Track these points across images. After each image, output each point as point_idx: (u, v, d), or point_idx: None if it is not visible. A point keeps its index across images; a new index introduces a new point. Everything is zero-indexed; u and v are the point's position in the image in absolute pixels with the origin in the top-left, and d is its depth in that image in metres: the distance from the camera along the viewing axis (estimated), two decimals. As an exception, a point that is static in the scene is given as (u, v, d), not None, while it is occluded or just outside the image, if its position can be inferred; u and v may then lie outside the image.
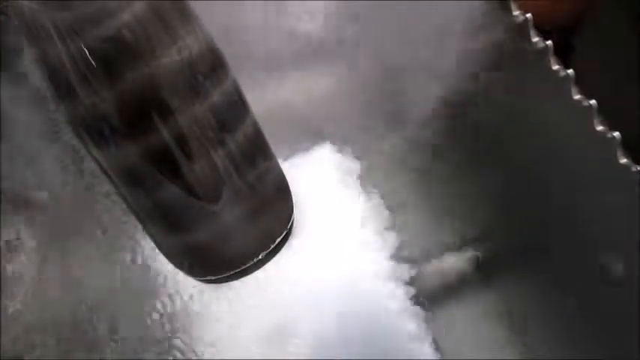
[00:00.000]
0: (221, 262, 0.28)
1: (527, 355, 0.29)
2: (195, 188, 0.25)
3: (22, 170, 0.31)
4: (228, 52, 0.25)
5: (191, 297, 0.31)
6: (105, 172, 0.25)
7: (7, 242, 0.30)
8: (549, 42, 0.27)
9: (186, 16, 0.23)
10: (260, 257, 0.28)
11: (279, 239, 0.28)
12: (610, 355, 0.26)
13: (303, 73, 0.32)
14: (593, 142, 0.26)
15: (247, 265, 0.28)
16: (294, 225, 0.29)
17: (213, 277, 0.28)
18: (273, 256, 0.28)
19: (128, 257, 0.32)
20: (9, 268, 0.30)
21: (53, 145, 0.31)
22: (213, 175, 0.25)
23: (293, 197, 0.29)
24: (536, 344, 0.29)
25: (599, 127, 0.26)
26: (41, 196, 0.31)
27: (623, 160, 0.26)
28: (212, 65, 0.24)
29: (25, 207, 0.31)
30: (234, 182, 0.26)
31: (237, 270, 0.28)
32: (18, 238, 0.31)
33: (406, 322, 0.30)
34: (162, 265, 0.32)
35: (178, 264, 0.28)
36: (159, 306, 0.31)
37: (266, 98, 0.32)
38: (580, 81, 0.26)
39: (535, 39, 0.27)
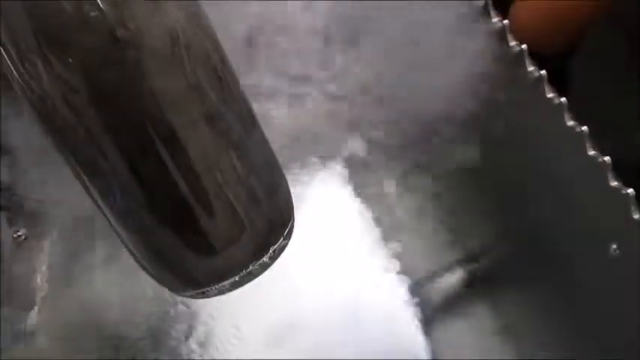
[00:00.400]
0: (211, 273, 0.25)
1: None
2: (185, 192, 0.22)
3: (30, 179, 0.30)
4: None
5: (191, 299, 0.29)
6: (72, 166, 0.22)
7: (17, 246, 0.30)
8: (544, 71, 0.29)
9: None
10: (250, 269, 0.26)
11: (274, 247, 0.26)
12: None
13: (303, 85, 0.32)
14: (585, 166, 0.28)
15: (238, 275, 0.25)
16: (292, 235, 0.27)
17: (193, 292, 0.25)
18: (265, 268, 0.26)
19: (130, 261, 0.29)
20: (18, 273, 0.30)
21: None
22: (200, 171, 0.22)
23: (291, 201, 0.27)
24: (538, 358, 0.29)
25: (591, 152, 0.28)
26: (47, 204, 0.31)
27: (614, 183, 0.27)
28: (202, 42, 0.22)
29: (33, 214, 0.31)
30: (228, 187, 0.24)
31: (227, 281, 0.25)
32: (25, 239, 0.31)
33: (409, 339, 0.28)
34: None
35: (163, 280, 0.25)
36: (160, 308, 0.30)
37: (264, 108, 0.31)
38: (576, 104, 0.27)
39: (530, 68, 0.29)
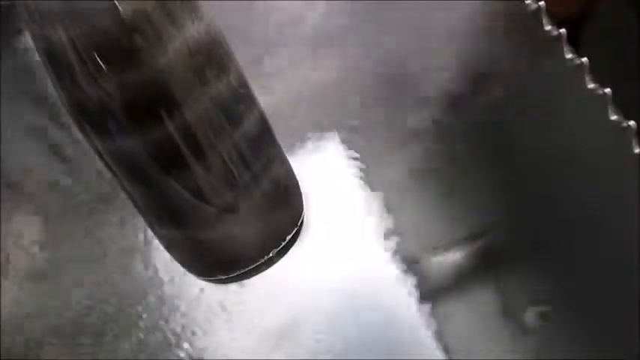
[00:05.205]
0: (231, 261, 0.28)
1: (531, 352, 0.29)
2: (203, 185, 0.24)
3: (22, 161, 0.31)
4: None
5: (190, 297, 0.31)
6: (109, 166, 0.25)
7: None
8: (563, 30, 0.27)
9: (190, 5, 0.23)
10: (271, 255, 0.28)
11: (289, 236, 0.28)
12: (619, 354, 0.26)
13: (305, 67, 0.32)
14: (607, 131, 0.27)
15: (258, 263, 0.28)
16: (305, 221, 0.29)
17: (223, 277, 0.28)
18: (284, 253, 0.28)
19: (129, 257, 0.32)
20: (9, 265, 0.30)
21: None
22: (221, 171, 0.25)
23: (302, 193, 0.29)
24: (540, 341, 0.29)
25: (614, 117, 0.26)
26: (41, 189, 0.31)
27: (638, 150, 0.26)
28: (218, 55, 0.24)
29: (25, 199, 0.31)
30: (243, 178, 0.25)
31: (247, 269, 0.28)
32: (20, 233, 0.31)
33: (409, 319, 0.30)
34: (163, 266, 0.32)
35: (186, 264, 0.28)
36: (158, 307, 0.31)
37: (267, 91, 0.31)
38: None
39: (548, 27, 0.27)
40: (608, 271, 0.27)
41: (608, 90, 0.26)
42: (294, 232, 0.28)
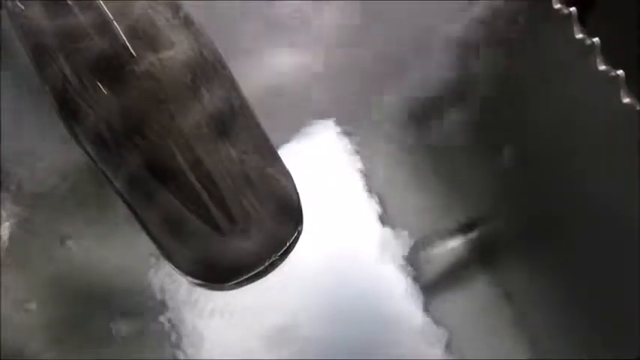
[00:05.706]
0: (233, 269, 0.28)
1: (529, 344, 0.29)
2: (201, 196, 0.24)
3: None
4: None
5: (190, 297, 0.31)
6: (106, 176, 0.24)
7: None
8: (573, 8, 0.25)
9: (181, 18, 0.23)
10: (273, 260, 0.28)
11: (290, 240, 0.28)
12: (619, 348, 0.26)
13: (305, 62, 0.30)
14: (619, 115, 0.25)
15: (260, 269, 0.27)
16: (304, 224, 0.28)
17: (225, 284, 0.28)
18: (286, 257, 0.28)
19: (130, 259, 0.32)
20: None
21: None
22: (218, 181, 0.24)
23: (300, 195, 0.28)
24: (539, 333, 0.29)
25: (626, 100, 0.25)
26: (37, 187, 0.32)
27: (652, 135, 0.25)
28: (211, 68, 0.24)
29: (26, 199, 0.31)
30: (242, 188, 0.26)
31: (249, 275, 0.27)
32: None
33: (409, 318, 0.30)
34: (163, 266, 0.31)
35: (188, 274, 0.28)
36: (158, 308, 0.31)
37: (263, 80, 0.31)
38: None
39: (557, 5, 0.25)
40: (609, 268, 0.26)
41: (620, 72, 0.25)
42: (295, 235, 0.28)
